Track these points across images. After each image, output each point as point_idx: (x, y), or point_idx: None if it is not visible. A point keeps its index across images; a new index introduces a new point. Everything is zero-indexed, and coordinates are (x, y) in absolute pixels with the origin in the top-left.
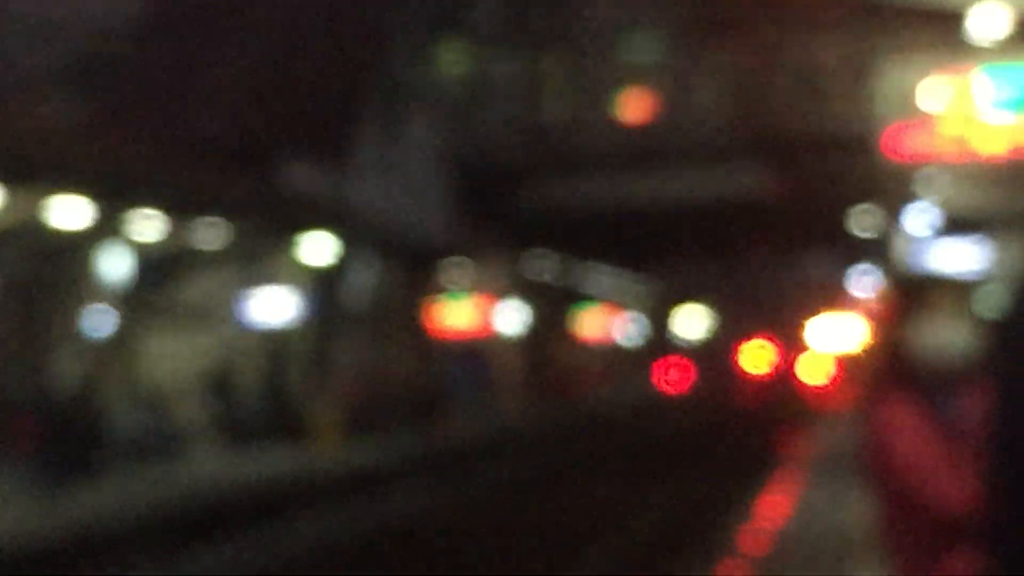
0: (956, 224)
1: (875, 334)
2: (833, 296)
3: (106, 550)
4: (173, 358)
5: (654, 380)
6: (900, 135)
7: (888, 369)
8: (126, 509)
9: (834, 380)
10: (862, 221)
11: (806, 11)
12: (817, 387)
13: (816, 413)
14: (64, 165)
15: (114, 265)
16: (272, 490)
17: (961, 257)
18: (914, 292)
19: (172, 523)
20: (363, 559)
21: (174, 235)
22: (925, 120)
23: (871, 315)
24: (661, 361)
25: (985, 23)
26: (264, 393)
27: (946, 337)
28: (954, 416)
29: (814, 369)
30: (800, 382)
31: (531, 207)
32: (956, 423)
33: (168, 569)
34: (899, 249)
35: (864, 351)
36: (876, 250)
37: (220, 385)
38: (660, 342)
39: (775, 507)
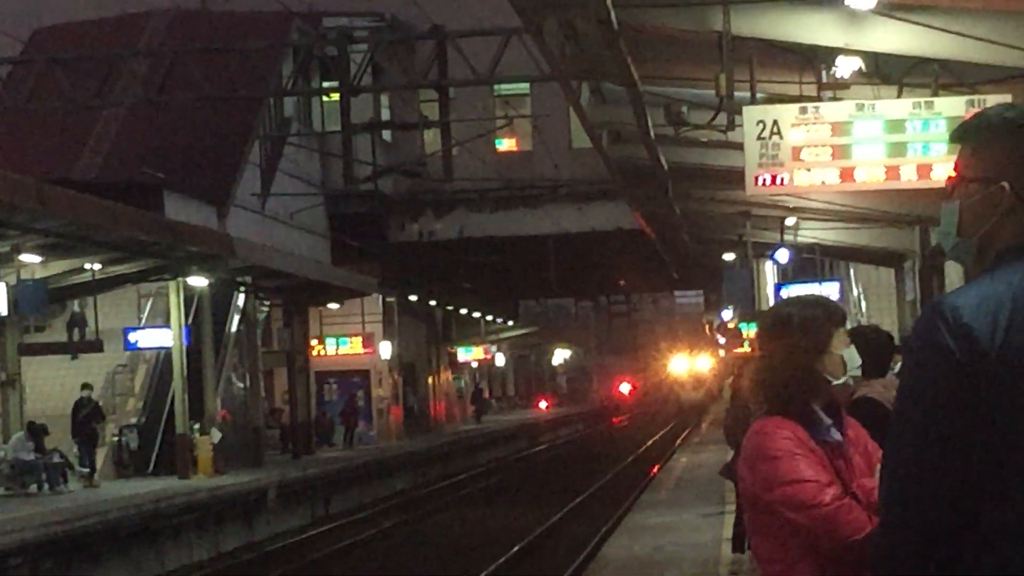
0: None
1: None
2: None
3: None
4: (55, 388)
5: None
6: (766, 174)
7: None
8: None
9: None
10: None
11: (672, 46)
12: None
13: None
14: None
15: None
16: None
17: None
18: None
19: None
20: None
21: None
22: (792, 158)
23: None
24: None
25: (845, 60)
26: (146, 423)
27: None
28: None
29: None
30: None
31: (407, 241)
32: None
33: None
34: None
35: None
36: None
37: (102, 415)
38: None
39: None
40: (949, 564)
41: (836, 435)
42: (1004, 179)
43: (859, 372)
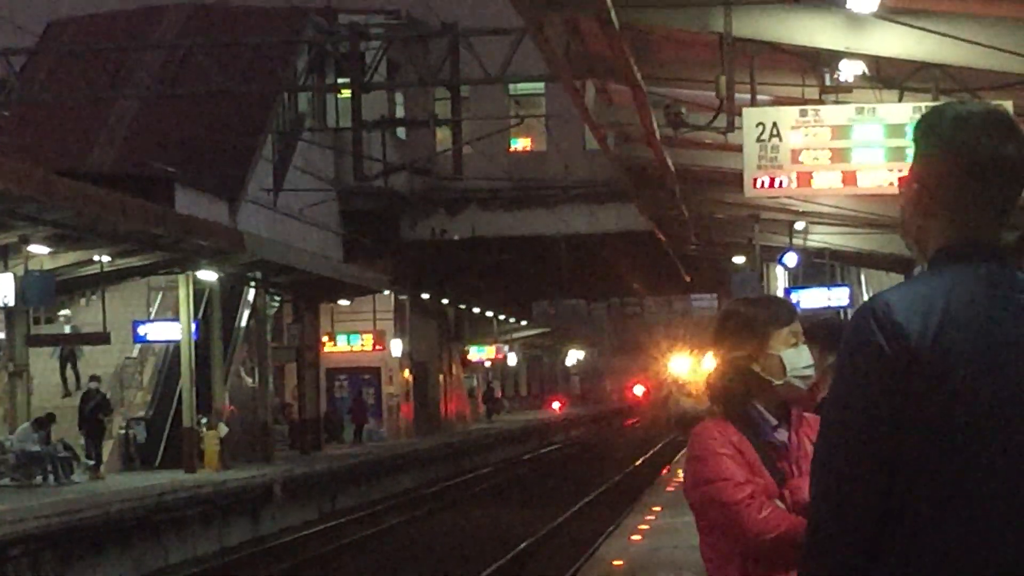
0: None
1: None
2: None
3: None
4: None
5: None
6: (764, 176)
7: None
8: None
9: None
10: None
11: (675, 50)
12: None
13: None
14: None
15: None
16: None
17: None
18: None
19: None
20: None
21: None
22: (792, 160)
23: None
24: None
25: (848, 64)
26: (154, 416)
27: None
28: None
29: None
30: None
31: (419, 239)
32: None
33: None
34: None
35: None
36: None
37: (109, 407)
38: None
39: None
40: (875, 561)
41: (781, 436)
42: (916, 181)
43: (810, 372)
